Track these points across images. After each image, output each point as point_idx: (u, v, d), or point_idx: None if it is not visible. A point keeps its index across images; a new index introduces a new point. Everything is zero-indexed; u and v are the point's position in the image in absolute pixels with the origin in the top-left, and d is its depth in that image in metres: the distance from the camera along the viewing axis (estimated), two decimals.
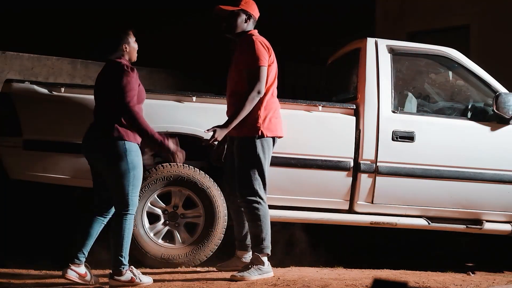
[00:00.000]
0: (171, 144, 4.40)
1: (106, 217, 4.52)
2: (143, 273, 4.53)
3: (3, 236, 5.89)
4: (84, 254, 4.47)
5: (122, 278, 4.35)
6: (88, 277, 4.46)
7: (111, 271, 4.41)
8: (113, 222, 4.41)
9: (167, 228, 5.20)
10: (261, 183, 4.84)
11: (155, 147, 4.45)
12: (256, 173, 4.81)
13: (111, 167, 4.38)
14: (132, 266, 4.45)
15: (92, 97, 4.60)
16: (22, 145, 5.04)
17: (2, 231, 5.94)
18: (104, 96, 4.43)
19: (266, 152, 4.85)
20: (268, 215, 4.88)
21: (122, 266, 4.36)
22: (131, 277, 4.37)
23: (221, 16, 4.92)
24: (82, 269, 4.45)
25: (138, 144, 4.45)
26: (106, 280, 4.52)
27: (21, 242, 6.05)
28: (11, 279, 4.68)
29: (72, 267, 4.43)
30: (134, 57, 4.56)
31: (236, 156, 4.88)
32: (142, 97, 4.51)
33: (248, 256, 5.05)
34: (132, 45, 4.52)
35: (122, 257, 4.35)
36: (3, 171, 5.11)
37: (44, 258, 5.34)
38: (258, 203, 4.82)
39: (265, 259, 4.85)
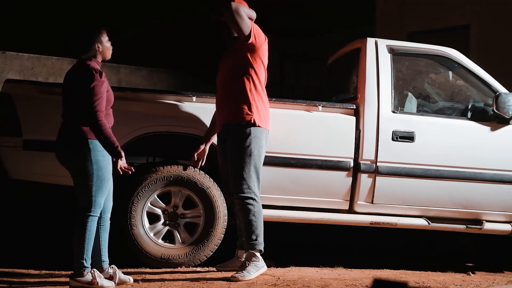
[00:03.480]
0: (122, 161, 4.32)
1: (102, 219, 4.48)
2: (143, 273, 4.52)
3: (3, 236, 5.88)
4: (104, 260, 4.49)
5: (83, 279, 4.34)
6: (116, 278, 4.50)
7: (72, 271, 4.39)
8: (76, 223, 4.35)
9: (167, 228, 5.19)
10: (255, 179, 4.85)
11: (111, 155, 4.35)
12: (251, 170, 4.83)
13: (76, 167, 4.36)
14: (94, 269, 4.40)
15: None
16: (22, 145, 5.04)
17: (2, 231, 5.93)
18: (71, 96, 4.38)
19: (261, 144, 4.87)
20: (262, 212, 4.89)
21: (83, 269, 4.34)
22: (91, 279, 4.35)
23: (219, 24, 4.94)
24: (106, 273, 4.47)
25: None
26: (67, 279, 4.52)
27: (21, 242, 6.05)
28: (11, 279, 4.68)
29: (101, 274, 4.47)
30: (108, 56, 4.53)
31: (230, 154, 4.89)
32: (111, 101, 4.48)
33: None
34: (105, 44, 4.48)
35: (83, 260, 4.32)
36: (3, 171, 5.11)
37: (44, 258, 5.34)
38: (253, 199, 4.84)
39: (258, 254, 4.88)
